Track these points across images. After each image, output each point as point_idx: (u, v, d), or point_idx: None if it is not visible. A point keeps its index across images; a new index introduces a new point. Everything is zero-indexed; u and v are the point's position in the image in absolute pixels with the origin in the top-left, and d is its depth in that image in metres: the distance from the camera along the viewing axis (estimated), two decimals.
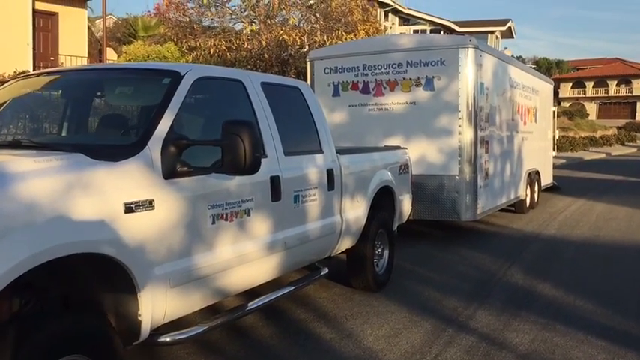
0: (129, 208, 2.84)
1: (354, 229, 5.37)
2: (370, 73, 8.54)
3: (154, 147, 3.11)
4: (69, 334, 2.56)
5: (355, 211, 5.34)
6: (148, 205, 2.95)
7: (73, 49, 14.69)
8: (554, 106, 14.83)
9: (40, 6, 15.03)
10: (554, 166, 24.06)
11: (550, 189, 14.14)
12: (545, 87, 13.30)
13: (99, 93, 3.95)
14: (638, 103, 62.80)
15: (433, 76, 8.18)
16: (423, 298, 5.70)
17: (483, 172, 8.49)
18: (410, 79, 8.30)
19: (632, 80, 63.49)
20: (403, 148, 6.90)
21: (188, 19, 14.91)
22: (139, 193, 2.93)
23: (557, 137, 15.37)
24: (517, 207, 11.02)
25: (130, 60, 14.07)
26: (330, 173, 4.83)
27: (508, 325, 4.89)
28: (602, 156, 33.13)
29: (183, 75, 3.53)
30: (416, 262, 7.27)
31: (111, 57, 17.24)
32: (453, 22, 40.73)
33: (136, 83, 3.84)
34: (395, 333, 4.69)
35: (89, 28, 33.93)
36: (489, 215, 9.58)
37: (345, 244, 5.35)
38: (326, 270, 5.04)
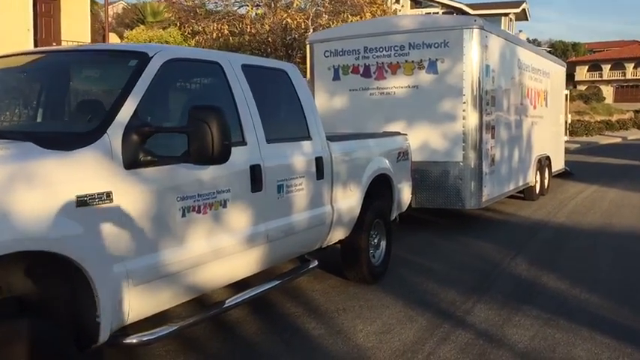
0: (82, 202, 2.62)
1: (347, 220, 5.12)
2: (371, 56, 8.23)
3: (114, 135, 2.88)
4: (17, 339, 2.35)
5: (348, 200, 5.09)
6: (105, 197, 2.73)
7: (75, 35, 14.49)
8: (567, 89, 14.36)
9: None
10: (568, 151, 23.60)
11: (562, 174, 13.76)
12: (557, 69, 12.86)
13: (64, 77, 3.71)
14: None
15: (436, 59, 7.85)
16: (421, 291, 5.45)
17: (489, 158, 8.18)
18: (412, 61, 7.98)
19: None
20: (403, 134, 6.62)
21: (191, 3, 14.64)
22: (95, 184, 2.71)
23: (569, 121, 14.92)
24: (526, 193, 10.69)
25: None
26: (318, 161, 4.57)
27: (508, 321, 4.63)
28: (618, 140, 32.44)
29: (152, 56, 3.28)
30: (417, 251, 7.02)
31: (114, 42, 17.05)
32: (466, 5, 39.98)
33: (102, 66, 3.61)
34: (387, 329, 4.46)
35: (97, 14, 33.78)
36: (497, 202, 9.28)
37: (338, 235, 5.10)
38: (315, 263, 4.80)
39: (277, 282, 4.25)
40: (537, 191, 10.90)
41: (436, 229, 8.35)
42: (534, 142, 10.57)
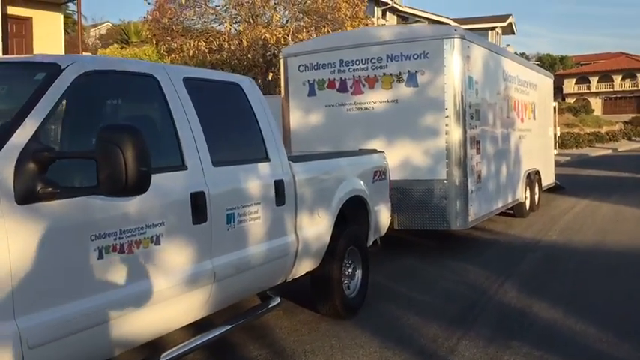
0: None
1: (315, 249, 4.61)
2: (348, 70, 7.77)
3: (4, 163, 2.36)
4: None
5: (316, 227, 4.57)
6: None
7: None
8: (555, 102, 13.98)
9: (12, 11, 14.34)
10: (558, 164, 23.24)
11: (553, 189, 13.32)
12: (545, 81, 12.48)
13: None
14: None
15: (416, 71, 7.40)
16: (400, 326, 4.91)
17: (475, 175, 7.70)
18: (391, 74, 7.53)
19: (638, 74, 62.26)
20: (380, 152, 6.13)
21: (167, 20, 14.22)
22: None
23: (558, 134, 14.52)
24: (516, 210, 10.22)
25: None
26: (278, 185, 4.07)
27: None
28: (609, 152, 32.21)
29: (64, 68, 2.78)
30: (398, 278, 6.49)
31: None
32: (452, 19, 39.89)
33: (9, 80, 3.10)
34: None
35: (82, 35, 33.28)
36: (486, 221, 8.80)
37: (305, 266, 4.58)
38: (277, 300, 4.27)
39: (229, 326, 3.69)
40: (527, 208, 10.43)
41: (421, 252, 7.83)
42: (523, 157, 10.12)
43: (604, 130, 40.86)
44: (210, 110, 3.65)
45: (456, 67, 7.26)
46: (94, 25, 44.86)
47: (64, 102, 2.73)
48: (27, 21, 14.78)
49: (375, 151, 6.10)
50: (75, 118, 2.88)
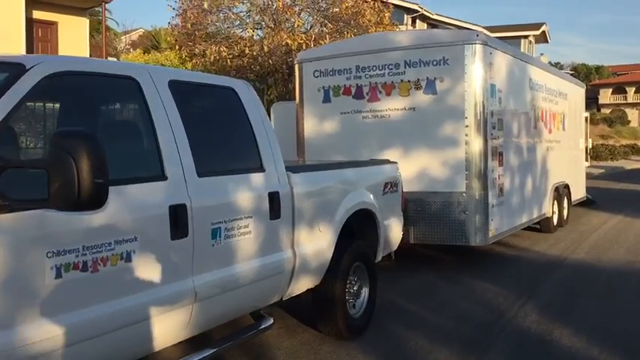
0: None
1: (316, 265, 4.31)
2: (364, 76, 7.47)
3: None
4: None
5: (317, 242, 4.28)
6: None
7: None
8: (591, 112, 13.43)
9: (38, 15, 14.50)
10: (591, 177, 22.52)
11: (584, 203, 12.75)
12: (576, 91, 11.96)
13: None
14: None
15: (435, 78, 7.06)
16: (408, 350, 4.58)
17: (496, 188, 7.30)
18: (408, 81, 7.20)
19: None
20: (392, 162, 5.81)
21: (190, 27, 14.17)
22: None
23: (590, 146, 13.94)
24: (543, 225, 9.74)
25: None
26: (273, 197, 3.79)
27: None
28: None
29: (29, 68, 2.56)
30: (412, 296, 6.14)
31: None
32: (484, 27, 39.20)
33: None
34: None
35: (107, 39, 33.77)
36: (510, 236, 8.37)
37: (304, 283, 4.29)
38: (270, 321, 3.98)
39: (212, 350, 3.41)
40: (555, 223, 9.94)
41: (438, 268, 7.45)
42: (550, 169, 9.65)
43: None
44: (198, 116, 3.41)
45: (477, 75, 6.90)
46: (126, 32, 45.59)
47: (27, 105, 2.50)
48: (52, 25, 14.90)
49: (386, 162, 5.79)
50: (39, 123, 2.65)
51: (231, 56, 13.38)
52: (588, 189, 13.98)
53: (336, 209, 4.53)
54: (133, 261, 2.77)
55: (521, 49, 36.58)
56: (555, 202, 9.92)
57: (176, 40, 14.13)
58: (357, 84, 7.52)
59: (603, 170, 25.73)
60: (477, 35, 6.99)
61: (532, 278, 6.88)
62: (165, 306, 2.95)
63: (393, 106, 7.31)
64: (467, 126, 6.92)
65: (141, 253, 2.81)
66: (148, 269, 2.85)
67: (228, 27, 14.56)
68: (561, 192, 10.28)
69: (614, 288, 6.42)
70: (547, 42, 42.41)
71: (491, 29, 38.69)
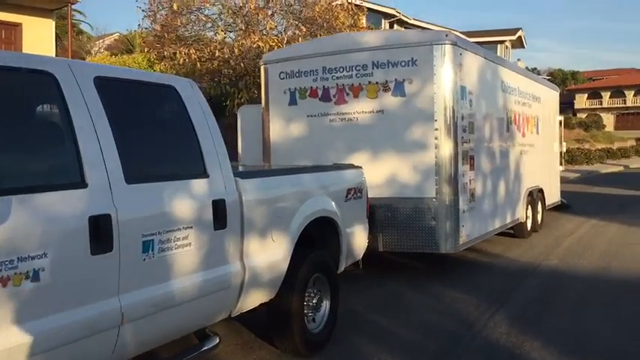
0: None
1: (269, 278, 4.01)
2: (331, 77, 7.20)
3: None
4: None
5: (270, 253, 3.98)
6: None
7: None
8: (567, 117, 13.35)
9: (2, 16, 13.99)
10: (567, 181, 22.54)
11: (559, 207, 12.62)
12: (549, 94, 11.85)
13: None
14: None
15: (404, 80, 6.81)
16: None
17: (468, 193, 7.07)
18: (376, 83, 6.94)
19: None
20: (357, 167, 5.53)
21: (159, 27, 13.79)
22: None
23: (565, 150, 13.84)
24: (517, 231, 9.55)
25: None
26: (218, 205, 3.48)
27: None
28: (620, 169, 31.34)
29: None
30: (378, 307, 5.86)
31: None
32: (461, 32, 39.35)
33: None
34: None
35: (85, 45, 33.10)
36: (483, 241, 8.15)
37: (256, 298, 3.98)
38: (216, 341, 3.65)
39: None
40: (529, 228, 9.76)
41: (408, 276, 7.18)
42: (524, 174, 9.47)
43: (615, 146, 40.01)
44: (130, 116, 3.09)
45: (446, 76, 6.67)
46: (101, 37, 44.88)
47: None
48: (17, 27, 14.40)
49: (350, 166, 5.51)
50: None
51: (201, 59, 13.01)
52: (563, 193, 13.86)
53: (292, 217, 4.24)
54: (42, 280, 2.44)
55: (498, 54, 36.77)
56: (529, 206, 9.74)
57: (144, 43, 13.73)
58: (323, 86, 7.25)
59: (579, 174, 25.83)
60: (446, 35, 6.76)
61: (504, 286, 6.65)
62: (83, 330, 2.61)
63: (360, 109, 7.05)
64: (437, 129, 6.68)
65: (52, 270, 2.48)
66: (60, 289, 2.52)
67: (199, 29, 14.20)
68: (535, 196, 10.11)
69: (587, 296, 6.21)
70: (523, 47, 42.75)
71: (469, 34, 38.84)
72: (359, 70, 7.03)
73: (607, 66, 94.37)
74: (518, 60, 57.63)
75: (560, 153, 12.72)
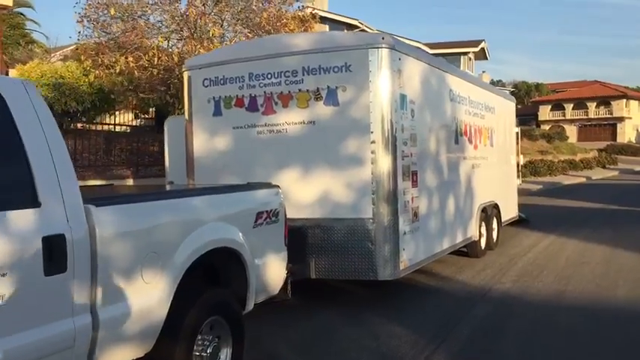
0: None
1: (140, 328, 3.22)
2: (258, 85, 6.48)
3: None
4: None
5: (140, 298, 3.20)
6: None
7: None
8: (531, 128, 12.90)
9: None
10: (529, 193, 22.22)
11: (517, 223, 12.10)
12: (505, 105, 11.34)
13: None
14: (618, 125, 61.58)
15: (337, 87, 6.13)
16: None
17: (410, 213, 6.40)
18: (307, 91, 6.25)
19: (612, 102, 62.40)
20: (272, 186, 4.79)
21: (97, 33, 12.91)
22: None
23: (522, 163, 13.38)
24: (470, 250, 8.94)
25: None
26: (52, 243, 2.69)
27: None
28: (582, 180, 31.33)
29: None
30: (302, 346, 5.12)
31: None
32: (424, 44, 39.23)
33: None
34: None
35: (34, 54, 31.89)
36: (435, 261, 7.51)
37: (122, 354, 3.18)
38: None
39: None
40: (483, 246, 9.16)
41: (344, 305, 6.45)
42: (477, 188, 8.88)
43: (578, 157, 40.20)
44: None
45: (383, 83, 6.01)
46: (59, 48, 43.60)
47: None
48: None
49: (266, 185, 4.76)
50: None
51: (140, 67, 12.14)
52: (524, 206, 13.39)
53: (175, 251, 3.46)
54: None
55: (461, 66, 36.66)
56: (483, 223, 9.14)
57: (77, 49, 12.84)
58: (250, 94, 6.52)
59: (541, 186, 25.59)
60: (383, 38, 6.10)
61: (449, 316, 5.97)
62: None
63: (290, 120, 6.34)
64: (373, 142, 6.00)
65: None
66: None
67: (139, 36, 13.34)
68: (490, 212, 9.53)
69: (540, 327, 5.56)
70: (486, 59, 42.88)
71: (431, 46, 38.79)
72: (288, 76, 6.33)
73: (570, 78, 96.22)
74: (483, 72, 57.92)
75: (518, 166, 12.21)
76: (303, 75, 6.25)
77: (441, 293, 6.98)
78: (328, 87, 6.16)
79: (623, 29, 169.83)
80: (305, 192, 6.23)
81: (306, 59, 6.24)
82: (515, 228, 11.85)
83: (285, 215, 4.77)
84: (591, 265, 8.37)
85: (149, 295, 3.27)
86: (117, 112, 16.20)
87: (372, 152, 6.00)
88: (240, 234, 4.09)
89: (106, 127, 13.62)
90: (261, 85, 6.45)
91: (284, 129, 6.37)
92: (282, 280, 4.73)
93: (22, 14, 27.25)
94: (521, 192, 20.36)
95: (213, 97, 6.72)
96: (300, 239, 6.14)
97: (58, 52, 42.76)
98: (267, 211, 4.47)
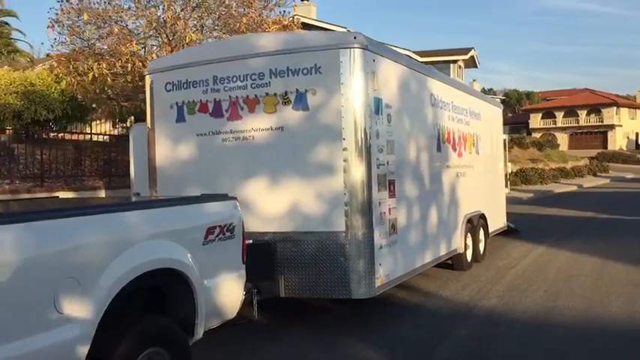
0: None
1: None
2: (223, 89, 6.03)
3: None
4: None
5: (53, 332, 2.73)
6: None
7: None
8: (522, 136, 12.50)
9: None
10: (520, 202, 21.85)
11: (506, 233, 11.68)
12: (492, 111, 10.95)
13: None
14: (609, 133, 61.61)
15: (306, 90, 5.70)
16: None
17: (387, 225, 5.95)
18: (275, 94, 5.81)
19: (602, 109, 62.45)
20: (228, 198, 4.33)
21: (69, 39, 12.45)
22: None
23: (510, 171, 12.97)
24: (455, 262, 8.50)
25: None
26: None
27: None
28: (574, 188, 31.05)
29: None
30: None
31: None
32: (414, 52, 38.99)
33: None
34: None
35: (16, 62, 31.33)
36: (417, 275, 7.07)
37: None
38: None
39: None
40: (469, 259, 8.71)
41: (316, 326, 5.98)
42: (461, 198, 8.45)
43: (569, 165, 39.98)
44: None
45: (356, 86, 5.58)
46: (44, 60, 43.17)
47: None
48: None
49: (221, 197, 4.30)
50: None
51: (112, 74, 11.66)
52: (514, 215, 13.00)
53: (99, 275, 3.00)
54: None
55: (451, 74, 36.39)
56: (469, 235, 8.70)
57: (47, 55, 12.37)
58: (215, 99, 6.07)
59: (532, 195, 25.24)
60: (355, 37, 5.67)
61: (429, 338, 5.51)
62: None
63: (257, 126, 5.89)
64: (345, 149, 5.56)
65: None
66: None
67: (115, 42, 12.88)
68: (476, 223, 9.10)
69: (526, 350, 5.11)
70: (476, 67, 42.67)
71: (421, 54, 38.57)
72: (254, 79, 5.89)
73: (561, 86, 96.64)
74: (474, 80, 57.85)
75: (506, 174, 11.80)
76: (271, 77, 5.81)
77: (421, 311, 6.51)
78: (297, 90, 5.72)
79: (614, 38, 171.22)
80: (273, 203, 5.78)
81: (273, 61, 5.80)
82: (504, 238, 11.42)
83: (244, 230, 4.31)
84: (582, 278, 7.94)
85: (65, 329, 2.80)
86: (96, 122, 15.72)
87: (345, 160, 5.56)
88: (187, 252, 3.62)
89: (82, 137, 13.12)
90: (226, 88, 6.00)
91: (250, 136, 5.91)
92: (240, 302, 4.27)
93: (6, 23, 26.78)
94: (512, 200, 20.03)
95: (176, 103, 6.27)
96: (268, 255, 5.69)
97: (46, 62, 42.20)
98: (220, 226, 4.00)
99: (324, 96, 5.64)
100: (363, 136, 5.59)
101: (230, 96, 5.98)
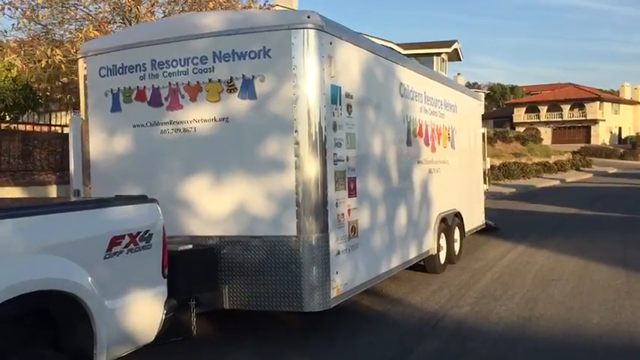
0: None
1: None
2: (162, 74, 5.35)
3: None
4: None
5: None
6: None
7: None
8: (505, 130, 11.95)
9: None
10: (502, 197, 21.39)
11: (485, 230, 11.14)
12: (470, 103, 10.36)
13: None
14: (592, 127, 61.58)
15: (253, 77, 5.04)
16: None
17: (345, 228, 5.33)
18: (219, 81, 5.14)
19: (586, 104, 62.37)
20: (146, 201, 3.67)
21: (23, 24, 11.64)
22: None
23: (489, 167, 12.42)
24: (427, 265, 7.92)
25: None
26: None
27: None
28: (556, 183, 30.68)
29: None
30: None
31: None
32: (397, 45, 38.38)
33: None
34: None
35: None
36: (387, 279, 6.48)
37: None
38: None
39: None
40: (442, 260, 8.14)
41: (264, 341, 5.34)
42: (435, 196, 7.85)
43: (552, 159, 39.71)
44: None
45: (310, 72, 4.94)
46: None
47: None
48: None
49: (134, 200, 3.63)
50: None
51: (66, 60, 10.89)
52: (495, 211, 12.50)
53: None
54: None
55: (435, 67, 35.84)
56: (442, 235, 8.12)
57: (4, 42, 11.54)
58: (153, 85, 5.39)
59: (514, 190, 24.81)
60: (309, 17, 5.01)
61: (392, 352, 4.91)
62: None
63: (199, 116, 5.23)
64: (297, 143, 4.92)
65: None
66: None
67: (76, 28, 12.11)
68: (451, 222, 8.51)
69: None
70: (460, 60, 42.14)
71: (404, 46, 38.04)
72: (197, 63, 5.22)
73: (544, 81, 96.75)
74: (458, 74, 57.37)
75: (484, 170, 11.23)
76: (214, 62, 5.14)
77: (385, 322, 5.90)
78: (243, 76, 5.06)
79: (598, 33, 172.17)
80: (217, 204, 5.14)
81: (217, 42, 5.14)
82: (482, 237, 10.88)
83: (164, 237, 3.66)
84: (561, 282, 7.39)
85: None
86: (59, 113, 14.89)
87: (296, 155, 4.92)
88: (80, 269, 2.96)
89: (38, 129, 12.32)
90: (166, 74, 5.32)
91: (192, 127, 5.25)
92: (159, 323, 3.62)
93: None
94: (494, 196, 19.57)
95: (111, 90, 5.58)
96: (210, 262, 5.04)
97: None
98: (130, 235, 3.35)
99: (274, 83, 4.99)
100: (317, 128, 4.95)
101: (170, 82, 5.31)
